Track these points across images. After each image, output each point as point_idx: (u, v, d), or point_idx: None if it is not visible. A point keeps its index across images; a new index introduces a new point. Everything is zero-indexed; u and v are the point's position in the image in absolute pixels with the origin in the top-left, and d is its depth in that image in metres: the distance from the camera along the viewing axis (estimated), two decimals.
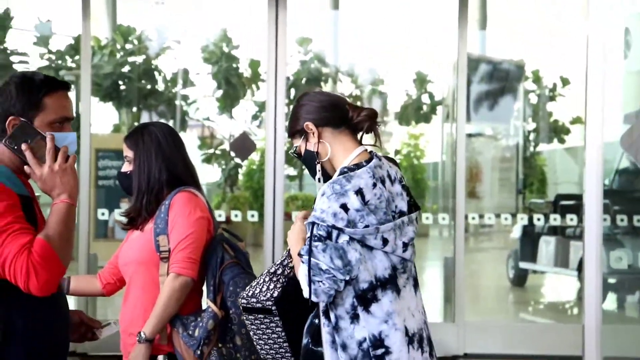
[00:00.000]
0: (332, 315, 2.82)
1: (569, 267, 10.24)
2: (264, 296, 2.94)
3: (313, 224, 2.78)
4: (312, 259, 2.73)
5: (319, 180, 2.97)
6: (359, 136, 3.02)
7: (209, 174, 11.85)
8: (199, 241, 3.33)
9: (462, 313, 7.47)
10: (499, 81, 13.05)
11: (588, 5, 5.93)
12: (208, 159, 11.75)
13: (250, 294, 2.97)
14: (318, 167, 2.96)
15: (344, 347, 2.80)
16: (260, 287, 2.97)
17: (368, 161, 2.92)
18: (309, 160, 2.99)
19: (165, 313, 3.26)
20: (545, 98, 14.19)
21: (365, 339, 2.79)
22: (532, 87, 14.12)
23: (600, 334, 4.77)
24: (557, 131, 14.23)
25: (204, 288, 3.40)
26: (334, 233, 2.76)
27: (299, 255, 2.79)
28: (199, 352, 3.23)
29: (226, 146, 12.07)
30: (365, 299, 2.80)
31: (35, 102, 2.66)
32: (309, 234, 2.78)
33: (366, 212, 2.79)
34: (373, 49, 12.95)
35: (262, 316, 2.95)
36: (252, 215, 8.28)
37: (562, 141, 14.32)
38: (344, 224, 2.76)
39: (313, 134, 2.96)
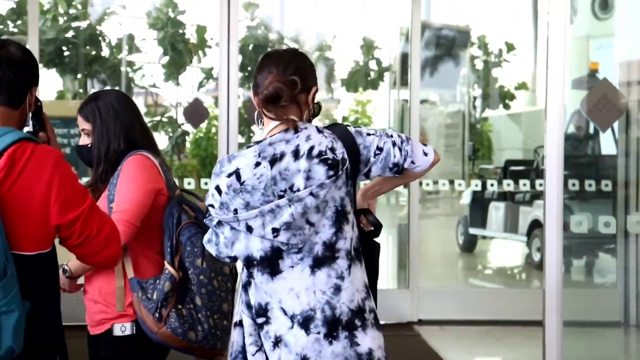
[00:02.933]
0: (243, 275, 2.87)
1: (518, 233, 10.34)
2: None
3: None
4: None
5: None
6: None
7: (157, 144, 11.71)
8: (141, 206, 3.27)
9: (416, 280, 7.50)
10: (444, 47, 13.08)
11: None
12: (154, 127, 11.59)
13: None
14: (259, 129, 2.92)
15: (248, 306, 2.85)
16: None
17: (272, 136, 2.82)
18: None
19: (84, 268, 3.28)
20: (490, 64, 14.28)
21: (257, 303, 2.82)
22: (478, 53, 14.19)
23: (562, 299, 4.79)
24: (503, 97, 14.35)
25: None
26: (210, 212, 2.80)
27: None
28: (157, 315, 3.20)
29: (173, 113, 11.92)
30: (248, 273, 2.83)
31: (37, 73, 2.69)
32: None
33: (232, 195, 2.73)
34: (319, 14, 12.87)
35: None
36: (206, 183, 8.20)
37: (507, 107, 14.45)
38: (217, 205, 2.76)
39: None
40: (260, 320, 2.81)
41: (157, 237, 3.31)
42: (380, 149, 2.91)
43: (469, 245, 11.27)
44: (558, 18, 4.79)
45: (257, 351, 2.84)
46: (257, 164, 2.74)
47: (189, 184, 8.21)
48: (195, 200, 3.46)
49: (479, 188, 10.61)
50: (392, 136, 2.92)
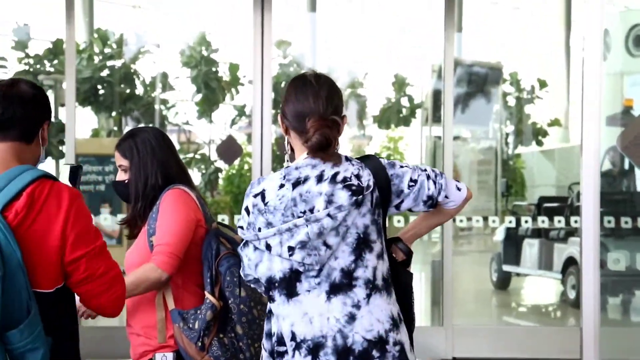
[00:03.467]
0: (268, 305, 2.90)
1: (552, 270, 10.24)
2: None
3: None
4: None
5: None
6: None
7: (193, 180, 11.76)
8: (184, 238, 3.33)
9: (450, 317, 7.44)
10: (476, 84, 13.07)
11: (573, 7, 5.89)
12: (187, 164, 11.64)
13: None
14: (286, 157, 2.95)
15: (267, 335, 2.88)
16: None
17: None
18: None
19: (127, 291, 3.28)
20: (523, 100, 14.24)
21: (274, 333, 2.84)
22: (510, 90, 14.16)
23: (599, 337, 4.74)
24: (535, 133, 14.28)
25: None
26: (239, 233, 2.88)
27: None
28: (199, 344, 3.25)
29: (206, 150, 11.99)
30: (269, 297, 2.86)
31: (49, 109, 2.74)
32: None
33: (256, 215, 2.79)
34: (351, 51, 12.94)
35: None
36: (239, 220, 8.23)
37: (539, 143, 14.37)
38: (245, 225, 2.83)
39: (285, 129, 2.93)
40: (281, 348, 2.81)
41: (196, 269, 3.36)
42: (414, 180, 2.92)
43: (503, 282, 11.18)
44: (593, 55, 4.81)
45: None
46: (281, 186, 2.80)
47: (223, 220, 8.23)
48: (230, 233, 3.49)
49: (512, 225, 10.55)
50: (425, 170, 2.95)
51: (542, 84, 14.21)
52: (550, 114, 14.59)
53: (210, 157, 11.83)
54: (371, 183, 2.82)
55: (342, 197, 2.77)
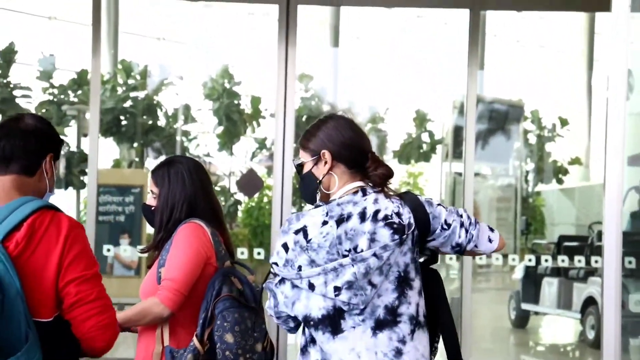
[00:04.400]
0: (302, 339, 2.87)
1: (571, 309, 10.17)
2: None
3: None
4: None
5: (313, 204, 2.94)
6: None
7: (223, 216, 11.78)
8: (191, 275, 3.30)
9: (468, 355, 7.39)
10: (497, 121, 13.06)
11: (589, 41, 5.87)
12: None
13: None
14: (318, 195, 2.92)
15: None
16: None
17: (342, 197, 2.88)
18: (307, 182, 2.95)
19: (130, 320, 3.29)
20: (544, 138, 14.22)
21: None
22: (531, 127, 14.15)
23: None
24: (556, 172, 14.24)
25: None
26: (273, 270, 2.85)
27: None
28: None
29: (226, 182, 12.02)
30: (309, 335, 2.84)
31: (54, 141, 2.75)
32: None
33: (298, 252, 2.77)
34: (372, 86, 12.98)
35: None
36: (259, 253, 8.21)
37: (560, 182, 14.32)
38: (282, 262, 2.79)
39: (325, 163, 2.91)
40: None
41: (199, 307, 3.30)
42: (448, 224, 2.93)
43: (521, 320, 11.10)
44: (617, 93, 4.79)
45: None
46: (324, 223, 2.78)
47: (242, 253, 8.23)
48: (246, 272, 3.46)
49: (532, 263, 10.50)
50: (461, 216, 2.94)
51: (564, 122, 14.19)
52: (571, 152, 14.56)
53: (230, 189, 11.86)
54: (412, 221, 2.85)
55: (385, 235, 2.78)
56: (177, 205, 3.43)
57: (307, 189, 2.94)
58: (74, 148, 9.95)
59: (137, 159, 11.26)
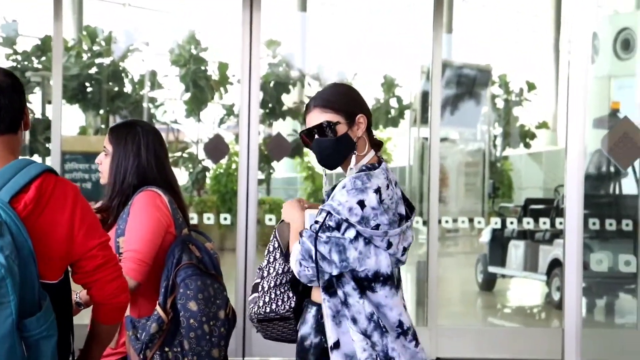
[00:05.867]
0: (339, 292, 2.96)
1: (537, 272, 10.27)
2: (283, 309, 3.17)
3: (328, 213, 2.93)
4: (308, 244, 2.91)
5: (324, 171, 3.15)
6: None
7: (178, 184, 11.71)
8: (153, 244, 3.31)
9: (434, 317, 7.45)
10: (465, 85, 13.07)
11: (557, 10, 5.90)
12: (175, 163, 11.63)
13: (268, 310, 3.17)
14: (353, 157, 3.03)
15: (354, 320, 2.94)
16: (275, 301, 3.17)
17: (379, 163, 3.05)
18: (345, 145, 3.02)
19: None
20: (511, 103, 14.26)
21: (373, 313, 2.94)
22: (499, 92, 14.18)
23: (581, 338, 4.76)
24: (523, 136, 14.30)
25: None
26: (343, 226, 2.91)
27: (300, 235, 2.97)
28: (142, 356, 3.21)
29: (193, 149, 11.97)
30: (363, 286, 2.95)
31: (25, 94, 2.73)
32: (320, 220, 2.93)
33: (380, 212, 2.92)
34: (341, 52, 12.93)
35: (278, 322, 3.21)
36: (225, 219, 8.22)
37: (527, 146, 14.39)
38: (356, 219, 2.90)
39: (359, 127, 3.05)
40: (377, 331, 2.94)
41: (158, 276, 3.31)
42: None
43: (488, 283, 11.20)
44: (579, 57, 4.83)
45: None
46: (388, 186, 2.98)
47: (209, 219, 8.23)
48: (203, 239, 3.46)
49: (498, 226, 10.58)
50: None
51: (531, 87, 14.23)
52: (538, 116, 14.63)
53: (198, 156, 11.81)
54: None
55: (402, 201, 3.07)
56: (130, 169, 3.42)
57: (342, 152, 3.02)
58: (38, 115, 9.85)
59: (103, 126, 11.17)
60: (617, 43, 10.26)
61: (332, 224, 2.92)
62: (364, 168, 3.00)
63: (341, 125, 3.03)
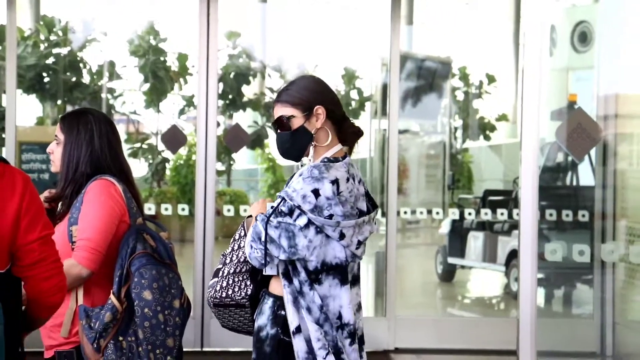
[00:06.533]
0: (295, 280, 3.01)
1: (496, 262, 10.34)
2: (239, 295, 3.20)
3: (282, 198, 2.99)
4: (260, 227, 2.96)
5: (300, 162, 3.17)
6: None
7: (135, 169, 11.63)
8: (107, 233, 3.28)
9: (392, 307, 7.48)
10: (426, 78, 13.12)
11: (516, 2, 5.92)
12: (134, 154, 11.56)
13: (224, 295, 3.20)
14: (311, 149, 3.08)
15: (309, 310, 3.00)
16: (232, 287, 3.20)
17: (344, 157, 3.08)
18: (300, 137, 3.08)
19: None
20: (471, 95, 14.34)
21: (323, 305, 3.00)
22: (459, 84, 14.25)
23: (536, 328, 4.79)
24: (483, 128, 14.39)
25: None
26: (296, 212, 2.96)
27: (256, 218, 3.05)
28: (95, 345, 3.18)
29: (153, 140, 11.90)
30: (311, 278, 3.00)
31: None
32: (274, 205, 3.01)
33: (335, 202, 2.96)
34: (301, 43, 12.92)
35: (234, 309, 3.25)
36: (183, 209, 8.18)
37: (487, 138, 14.49)
38: (309, 207, 2.94)
39: (317, 119, 3.07)
40: (328, 322, 3.00)
41: (112, 265, 3.28)
42: None
43: (448, 274, 11.25)
44: (533, 49, 4.84)
45: (327, 354, 2.99)
46: (348, 179, 3.01)
47: (166, 209, 8.19)
48: (156, 228, 3.45)
49: (456, 217, 10.63)
50: None
51: (491, 79, 14.33)
52: (498, 109, 14.73)
53: (158, 147, 11.75)
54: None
55: (364, 197, 3.12)
56: (83, 158, 3.38)
57: (298, 144, 3.08)
58: None
59: (60, 116, 11.08)
60: (575, 35, 10.35)
61: (284, 209, 2.97)
62: (325, 160, 3.02)
63: (297, 119, 3.08)
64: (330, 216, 2.95)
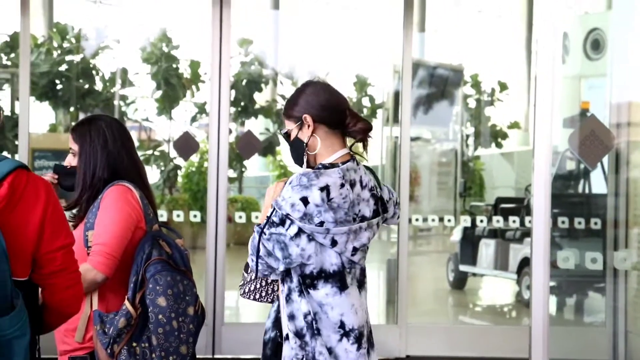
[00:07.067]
0: (286, 287, 3.04)
1: (508, 270, 10.31)
2: (266, 300, 3.30)
3: (274, 208, 2.98)
4: (256, 240, 2.98)
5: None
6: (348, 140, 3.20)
7: (147, 176, 11.66)
8: (122, 238, 3.28)
9: (404, 315, 7.47)
10: (438, 85, 13.12)
11: (528, 10, 5.92)
12: (146, 161, 11.58)
13: (252, 298, 3.30)
14: (305, 157, 3.11)
15: (292, 317, 3.02)
16: (260, 292, 3.30)
17: (344, 163, 3.06)
18: (296, 147, 3.13)
19: None
20: (483, 103, 14.32)
21: (309, 312, 2.98)
22: (471, 92, 14.24)
23: (548, 336, 4.78)
24: (495, 136, 14.37)
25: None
26: (287, 222, 2.94)
27: (257, 225, 3.04)
28: (109, 351, 3.18)
29: (165, 147, 11.93)
30: (306, 283, 3.00)
31: None
32: (268, 216, 3.01)
33: (324, 209, 2.94)
34: (313, 50, 12.94)
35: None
36: (195, 216, 8.19)
37: (499, 145, 14.46)
38: (299, 215, 2.92)
39: (308, 126, 3.09)
40: (309, 331, 2.99)
41: (128, 271, 3.29)
42: (387, 201, 3.24)
43: (459, 282, 11.23)
44: (547, 57, 4.83)
45: None
46: (342, 185, 2.99)
47: (178, 216, 8.20)
48: (173, 235, 3.44)
49: (468, 224, 10.61)
50: (393, 194, 3.28)
51: (503, 87, 14.30)
52: (510, 116, 14.70)
53: (170, 154, 11.78)
54: (379, 195, 3.16)
55: (371, 204, 3.09)
56: (100, 163, 3.39)
57: (296, 153, 3.13)
58: (8, 112, 9.77)
59: (73, 124, 11.11)
60: (587, 43, 10.33)
61: (276, 219, 2.96)
62: (319, 166, 3.03)
63: (293, 130, 3.13)
64: (321, 223, 2.94)
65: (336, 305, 3.00)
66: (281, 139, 11.56)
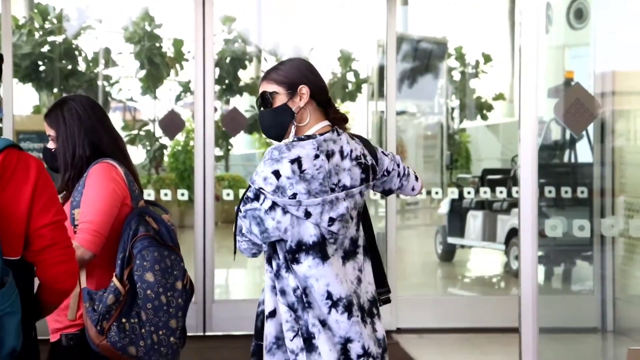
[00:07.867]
0: (274, 264, 3.05)
1: (496, 241, 10.36)
2: None
3: (249, 184, 3.00)
4: (236, 218, 3.01)
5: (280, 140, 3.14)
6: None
7: (133, 156, 11.60)
8: (109, 216, 3.29)
9: (394, 288, 7.48)
10: (422, 59, 13.10)
11: None
12: (132, 141, 11.54)
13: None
14: (292, 128, 3.09)
15: (283, 292, 3.02)
16: None
17: (322, 135, 3.06)
18: (279, 114, 3.09)
19: None
20: (468, 75, 14.31)
21: (298, 287, 2.99)
22: (455, 65, 14.22)
23: (537, 306, 4.82)
24: (480, 108, 14.37)
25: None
26: (261, 196, 2.95)
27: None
28: (99, 327, 3.19)
29: (150, 127, 11.88)
30: (290, 258, 3.00)
31: None
32: (244, 192, 3.03)
33: (296, 181, 2.93)
34: (296, 27, 12.88)
35: None
36: (182, 194, 8.18)
37: (484, 117, 14.47)
38: (271, 189, 2.92)
39: (301, 98, 3.08)
40: (300, 305, 3.00)
41: (114, 248, 3.30)
42: (388, 172, 3.27)
43: (448, 254, 11.28)
44: (530, 27, 4.84)
45: (294, 336, 3.00)
46: (317, 156, 2.97)
47: (166, 195, 8.20)
48: (159, 211, 3.46)
49: (455, 196, 10.64)
50: (399, 165, 3.31)
51: (487, 59, 14.28)
52: (495, 88, 14.70)
53: (155, 133, 11.74)
54: (373, 163, 3.15)
55: (357, 174, 3.07)
56: (78, 142, 3.39)
57: (278, 120, 3.09)
58: None
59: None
60: (571, 13, 10.33)
61: (251, 195, 2.97)
62: (295, 139, 3.02)
63: (280, 96, 3.09)
64: (294, 195, 2.93)
65: (320, 277, 2.99)
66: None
